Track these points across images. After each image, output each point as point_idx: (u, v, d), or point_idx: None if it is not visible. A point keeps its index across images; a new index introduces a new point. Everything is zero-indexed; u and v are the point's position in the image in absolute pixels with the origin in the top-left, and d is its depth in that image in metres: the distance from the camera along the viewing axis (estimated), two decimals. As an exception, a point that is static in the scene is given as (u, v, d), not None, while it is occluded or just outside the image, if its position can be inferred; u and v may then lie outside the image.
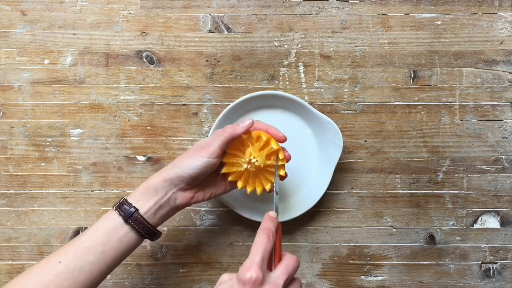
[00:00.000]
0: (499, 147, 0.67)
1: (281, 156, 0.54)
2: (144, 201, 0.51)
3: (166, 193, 0.52)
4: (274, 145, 0.54)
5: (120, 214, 0.51)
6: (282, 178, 0.57)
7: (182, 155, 0.53)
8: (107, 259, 0.50)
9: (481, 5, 0.67)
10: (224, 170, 0.55)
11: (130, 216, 0.50)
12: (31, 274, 0.48)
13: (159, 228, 0.53)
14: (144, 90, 0.67)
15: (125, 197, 0.52)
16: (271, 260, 0.46)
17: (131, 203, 0.51)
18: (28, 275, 0.48)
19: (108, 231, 0.50)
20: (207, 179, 0.55)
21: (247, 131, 0.54)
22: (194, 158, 0.52)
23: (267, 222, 0.48)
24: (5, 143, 0.67)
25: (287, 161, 0.55)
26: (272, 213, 0.49)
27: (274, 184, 0.54)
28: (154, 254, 0.67)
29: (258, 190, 0.56)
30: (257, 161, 0.54)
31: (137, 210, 0.51)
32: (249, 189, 0.56)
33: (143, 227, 0.51)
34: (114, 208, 0.51)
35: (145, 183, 0.53)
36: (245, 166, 0.54)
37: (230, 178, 0.56)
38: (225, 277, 0.45)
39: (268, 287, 0.42)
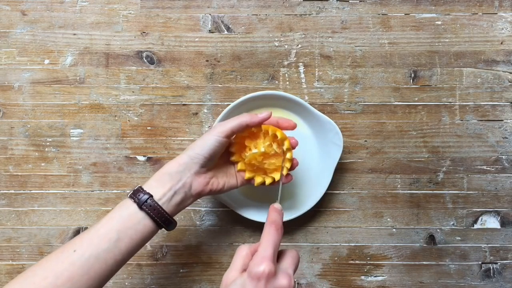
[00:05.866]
0: (499, 147, 0.67)
1: (286, 145, 0.55)
2: (158, 187, 0.51)
3: (180, 178, 0.52)
4: (279, 134, 0.55)
5: (134, 201, 0.50)
6: (288, 178, 0.59)
7: (195, 140, 0.54)
8: (122, 247, 0.49)
9: (481, 5, 0.67)
10: (233, 158, 0.58)
11: (144, 202, 0.50)
12: (46, 263, 0.48)
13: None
14: (144, 90, 0.67)
15: (140, 185, 0.52)
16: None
17: (145, 190, 0.51)
18: (43, 264, 0.48)
19: (123, 219, 0.50)
20: (221, 167, 0.57)
21: (262, 123, 0.55)
22: (206, 138, 0.53)
23: (274, 215, 0.47)
24: (5, 143, 0.67)
25: (294, 147, 0.57)
26: (277, 205, 0.49)
27: (281, 172, 0.55)
28: (154, 254, 0.67)
29: (267, 181, 0.58)
30: (263, 147, 0.56)
31: (151, 196, 0.50)
32: (257, 180, 0.58)
33: (157, 214, 0.50)
34: (129, 196, 0.51)
35: (160, 170, 0.53)
36: (254, 151, 0.56)
37: (238, 167, 0.58)
38: (233, 274, 0.44)
39: (281, 277, 0.43)
